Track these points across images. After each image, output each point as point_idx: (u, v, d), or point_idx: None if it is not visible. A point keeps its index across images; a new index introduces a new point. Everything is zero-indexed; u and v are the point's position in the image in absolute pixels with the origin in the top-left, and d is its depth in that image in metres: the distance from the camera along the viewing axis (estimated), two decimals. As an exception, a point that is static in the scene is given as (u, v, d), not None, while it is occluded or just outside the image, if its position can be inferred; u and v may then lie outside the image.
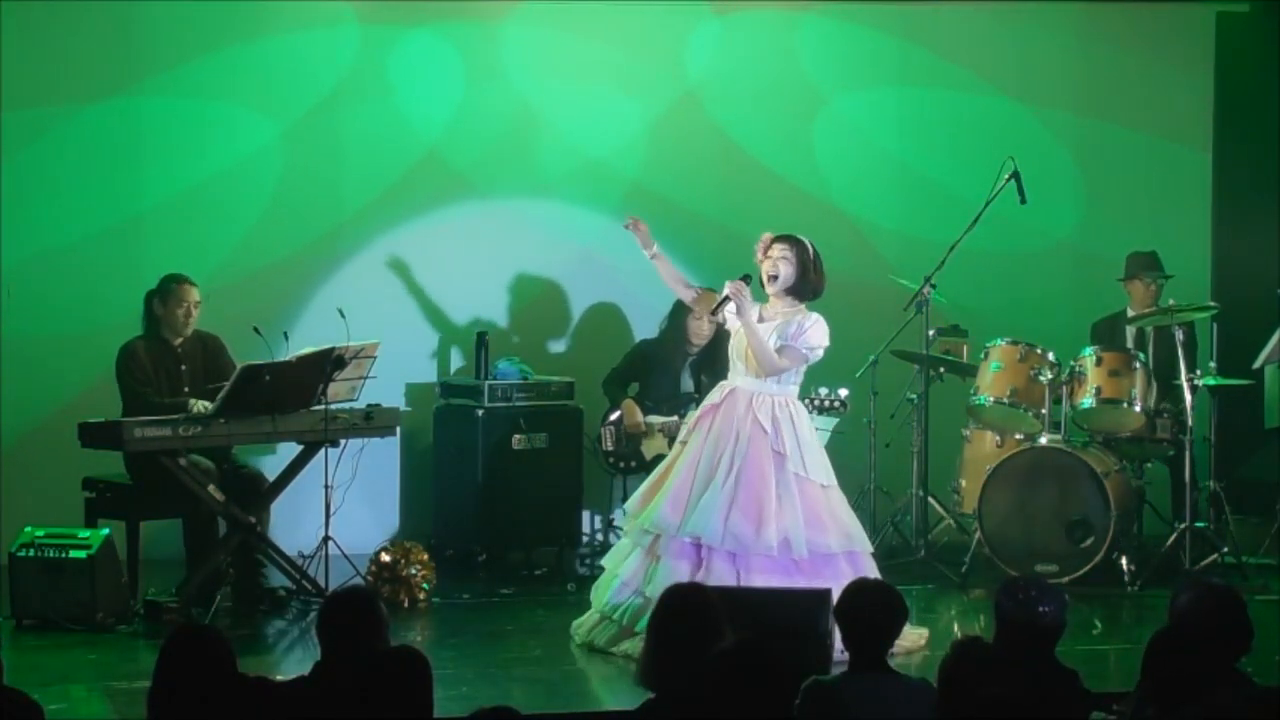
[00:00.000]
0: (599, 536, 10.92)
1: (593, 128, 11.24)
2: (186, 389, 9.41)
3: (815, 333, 8.55)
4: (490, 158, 11.12)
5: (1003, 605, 5.88)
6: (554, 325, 11.29)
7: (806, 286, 8.63)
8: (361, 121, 10.93)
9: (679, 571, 8.32)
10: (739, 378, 8.63)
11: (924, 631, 8.69)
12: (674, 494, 8.51)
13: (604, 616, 8.59)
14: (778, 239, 8.66)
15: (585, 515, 10.93)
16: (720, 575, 8.28)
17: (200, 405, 9.22)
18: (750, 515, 8.38)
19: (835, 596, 8.12)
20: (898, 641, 8.12)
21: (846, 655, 6.05)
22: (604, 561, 8.90)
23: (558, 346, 11.22)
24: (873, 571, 8.47)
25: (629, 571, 8.52)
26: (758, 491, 8.41)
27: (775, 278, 8.60)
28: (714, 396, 8.68)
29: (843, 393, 8.91)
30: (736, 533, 8.35)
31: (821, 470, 8.58)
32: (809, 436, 8.58)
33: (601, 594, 8.67)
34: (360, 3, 10.88)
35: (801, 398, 8.68)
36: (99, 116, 10.57)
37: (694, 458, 8.56)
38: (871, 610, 5.90)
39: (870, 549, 8.72)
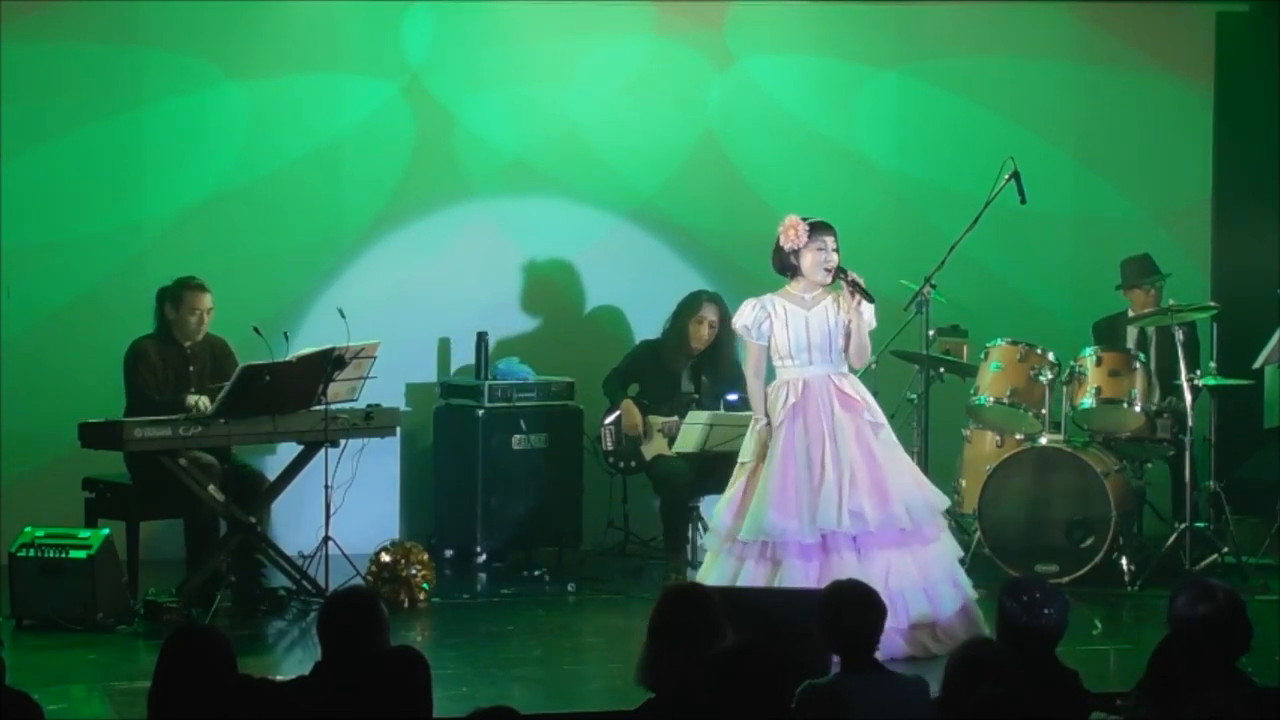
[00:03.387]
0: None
1: (595, 128, 11.23)
2: (193, 389, 9.41)
3: (874, 315, 8.77)
4: (491, 157, 11.12)
5: (1005, 606, 5.89)
6: (554, 325, 11.29)
7: None
8: (362, 122, 10.93)
9: (803, 571, 8.35)
10: (806, 368, 8.62)
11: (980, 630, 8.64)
12: (777, 499, 8.46)
13: None
14: (826, 229, 8.67)
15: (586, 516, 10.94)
16: (848, 563, 8.32)
17: (199, 400, 9.22)
18: (871, 494, 8.45)
19: (939, 554, 8.46)
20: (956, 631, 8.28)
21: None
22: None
23: (558, 346, 11.21)
24: (945, 525, 8.75)
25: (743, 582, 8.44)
26: (870, 469, 8.50)
27: (831, 269, 8.66)
28: (789, 396, 8.60)
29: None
30: (861, 514, 8.41)
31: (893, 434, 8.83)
32: (876, 403, 8.80)
33: None
34: (365, 5, 10.89)
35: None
36: (102, 117, 10.57)
37: (789, 459, 8.51)
38: (853, 610, 5.90)
39: (947, 502, 8.93)
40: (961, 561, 10.04)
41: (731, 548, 8.57)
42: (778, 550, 8.45)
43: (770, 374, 8.78)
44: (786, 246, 8.67)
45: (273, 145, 10.82)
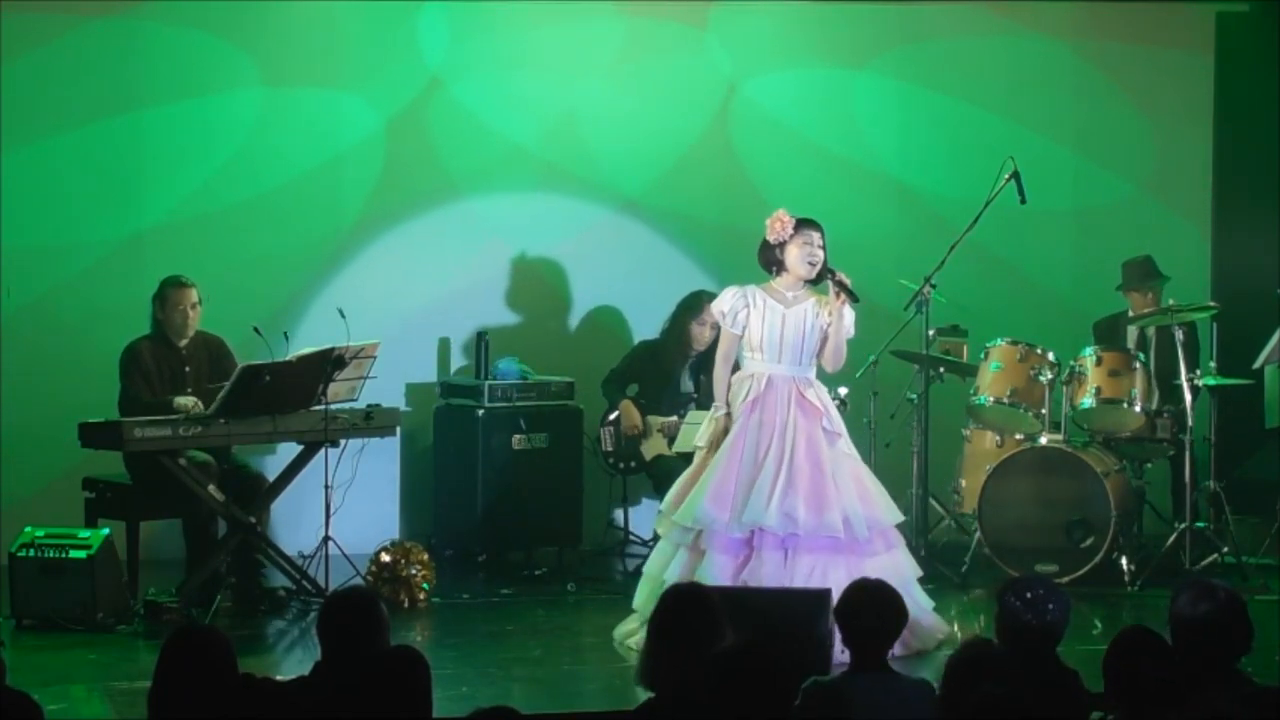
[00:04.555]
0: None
1: (594, 128, 11.23)
2: (189, 390, 9.41)
3: (853, 324, 8.77)
4: (490, 157, 11.12)
5: (1008, 604, 5.88)
6: (554, 325, 11.29)
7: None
8: (359, 122, 10.93)
9: (725, 566, 8.39)
10: (773, 365, 8.64)
11: (946, 629, 8.74)
12: (715, 489, 8.50)
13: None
14: (813, 225, 8.69)
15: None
16: (771, 564, 8.36)
17: (188, 401, 9.21)
18: (809, 499, 8.46)
19: (876, 568, 8.34)
20: (926, 635, 8.35)
21: (846, 655, 6.06)
22: (647, 567, 8.82)
23: (558, 346, 11.21)
24: (899, 543, 8.76)
25: (676, 573, 8.47)
26: (813, 475, 8.51)
27: (815, 264, 8.68)
28: (751, 389, 8.63)
29: (843, 392, 9.04)
30: (793, 515, 8.41)
31: (853, 446, 8.82)
32: (839, 415, 8.79)
33: (646, 600, 8.62)
34: (364, 6, 10.88)
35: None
36: (102, 117, 10.57)
37: (736, 452, 8.55)
38: (871, 610, 5.91)
39: (899, 518, 8.87)
40: (961, 563, 10.10)
41: (671, 533, 8.62)
42: (704, 540, 8.49)
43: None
44: (772, 239, 8.70)
45: (273, 145, 10.82)
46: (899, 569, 8.62)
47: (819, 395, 8.66)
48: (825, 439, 8.59)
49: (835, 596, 8.04)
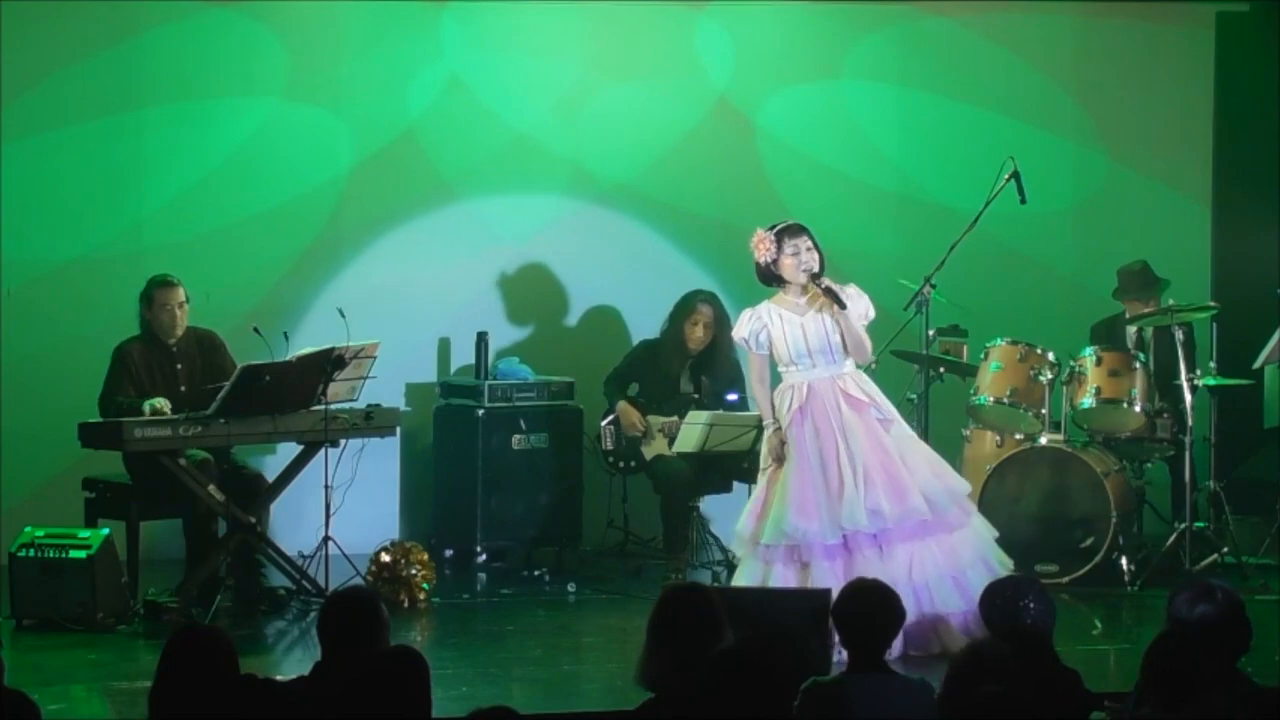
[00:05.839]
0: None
1: (593, 127, 11.23)
2: (183, 389, 9.42)
3: (870, 306, 8.79)
4: (489, 156, 11.12)
5: (985, 615, 5.89)
6: (554, 325, 11.29)
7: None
8: (358, 122, 10.93)
9: (833, 571, 8.39)
10: (809, 372, 8.65)
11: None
12: (797, 502, 8.50)
13: None
14: (797, 231, 8.68)
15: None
16: (869, 560, 8.40)
17: (156, 405, 9.20)
18: (888, 490, 8.52)
19: (967, 539, 8.53)
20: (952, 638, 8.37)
21: (844, 656, 6.06)
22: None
23: (558, 346, 11.21)
24: (973, 508, 8.86)
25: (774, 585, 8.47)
26: (885, 465, 8.57)
27: (811, 270, 8.68)
28: (794, 400, 8.64)
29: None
30: (879, 511, 8.47)
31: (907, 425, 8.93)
32: (886, 399, 8.85)
33: None
34: (358, 4, 10.88)
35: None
36: (103, 117, 10.57)
37: (804, 464, 8.56)
38: (869, 610, 5.91)
39: (967, 486, 8.97)
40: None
41: (756, 551, 8.61)
42: (804, 552, 8.51)
43: (776, 379, 8.83)
44: (762, 261, 8.71)
45: (273, 146, 10.81)
46: (979, 534, 8.75)
47: (861, 387, 8.70)
48: (881, 427, 8.65)
49: (953, 575, 8.31)
